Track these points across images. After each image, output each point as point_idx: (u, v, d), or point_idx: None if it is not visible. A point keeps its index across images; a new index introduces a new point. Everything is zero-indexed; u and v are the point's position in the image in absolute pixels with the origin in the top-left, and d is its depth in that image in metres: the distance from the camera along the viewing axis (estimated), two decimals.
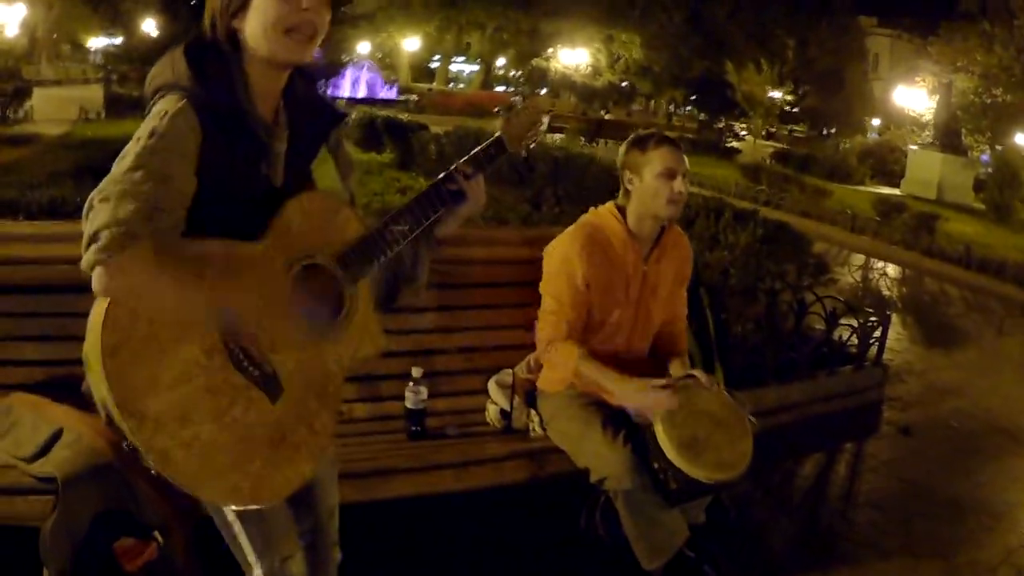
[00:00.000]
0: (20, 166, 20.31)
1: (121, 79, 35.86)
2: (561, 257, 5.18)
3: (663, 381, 4.79)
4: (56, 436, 4.10)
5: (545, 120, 3.87)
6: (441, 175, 3.61)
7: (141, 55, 25.39)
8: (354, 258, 3.40)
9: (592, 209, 5.44)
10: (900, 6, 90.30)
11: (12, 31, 66.30)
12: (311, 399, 3.29)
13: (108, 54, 32.06)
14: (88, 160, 19.36)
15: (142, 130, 3.04)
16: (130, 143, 3.04)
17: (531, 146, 3.87)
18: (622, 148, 5.33)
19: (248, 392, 3.10)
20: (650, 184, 5.09)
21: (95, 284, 2.84)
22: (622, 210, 5.27)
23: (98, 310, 2.89)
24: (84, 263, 2.82)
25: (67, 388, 4.40)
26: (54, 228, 5.44)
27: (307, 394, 3.28)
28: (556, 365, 5.13)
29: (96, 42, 45.46)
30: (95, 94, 40.24)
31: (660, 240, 5.35)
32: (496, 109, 3.87)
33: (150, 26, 25.33)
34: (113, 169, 2.97)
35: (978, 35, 49.07)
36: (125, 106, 35.68)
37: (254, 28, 3.19)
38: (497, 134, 3.74)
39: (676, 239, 5.51)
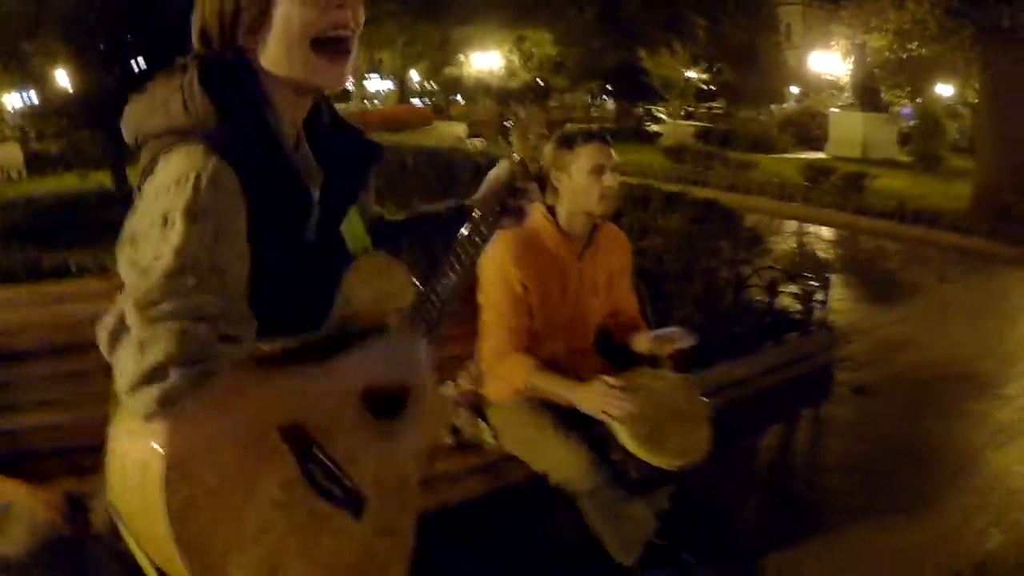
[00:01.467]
0: None
1: (39, 136, 35.66)
2: (496, 265, 5.04)
3: (614, 380, 4.65)
4: (3, 511, 3.84)
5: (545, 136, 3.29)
6: (476, 216, 3.05)
7: (57, 109, 25.15)
8: (423, 322, 2.94)
9: None
10: None
11: None
12: (392, 504, 2.82)
13: (24, 113, 31.72)
14: (12, 221, 19.27)
15: (165, 203, 2.25)
16: (144, 220, 2.27)
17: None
18: (547, 147, 5.15)
19: (333, 519, 2.55)
20: (580, 182, 5.02)
21: (158, 437, 2.12)
22: (551, 210, 5.19)
23: (144, 462, 2.19)
24: (138, 406, 2.11)
25: (11, 461, 4.26)
26: None
27: (388, 501, 2.80)
28: (506, 378, 5.02)
29: (10, 99, 45.12)
30: (13, 153, 39.90)
31: (593, 236, 5.27)
32: (505, 122, 3.17)
33: (63, 78, 25.04)
34: (136, 262, 2.23)
35: None
36: (46, 163, 35.45)
37: (276, 43, 2.50)
38: (516, 157, 3.11)
39: (610, 234, 5.44)
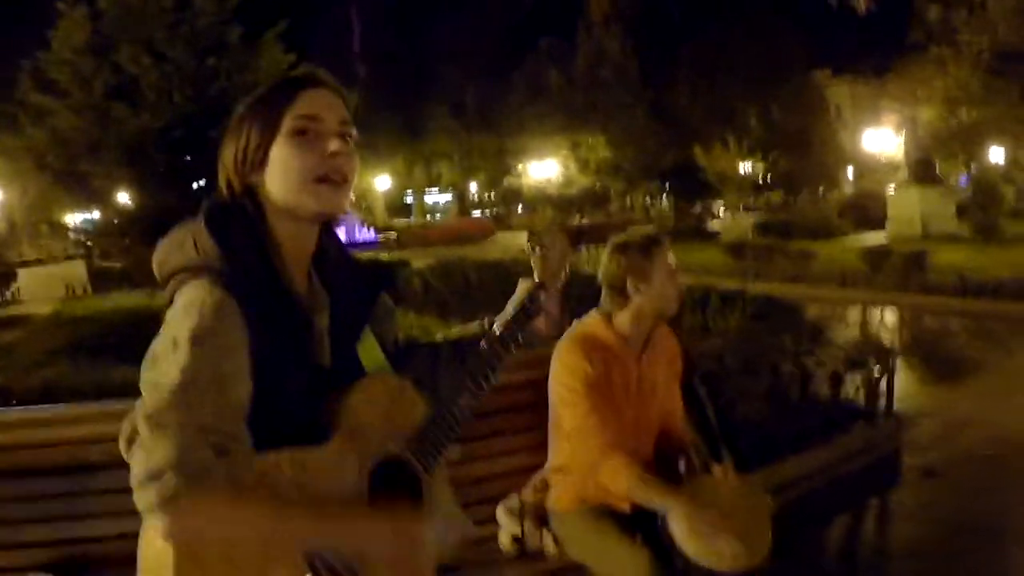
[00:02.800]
0: (13, 348, 20.21)
1: (103, 253, 36.04)
2: (568, 367, 5.10)
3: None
4: None
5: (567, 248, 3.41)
6: (489, 337, 3.21)
7: (120, 228, 25.39)
8: (428, 442, 3.06)
9: (577, 321, 5.34)
10: (852, 53, 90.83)
11: None
12: None
13: (87, 231, 32.13)
14: (80, 337, 19.41)
15: (175, 330, 2.55)
16: (162, 343, 2.57)
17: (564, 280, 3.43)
18: (612, 255, 5.23)
19: None
20: (659, 286, 5.07)
21: (159, 528, 2.40)
22: (608, 316, 5.22)
23: (160, 552, 2.49)
24: (143, 504, 2.39)
25: (74, 568, 4.45)
26: (49, 413, 5.33)
27: None
28: (606, 481, 4.95)
29: (73, 218, 45.73)
30: (79, 270, 40.79)
31: (649, 339, 5.29)
32: (528, 245, 3.34)
33: (124, 198, 25.32)
34: (149, 380, 2.53)
35: (932, 62, 49.43)
36: (110, 280, 36.19)
37: (278, 181, 2.80)
38: (536, 281, 3.27)
39: (664, 335, 5.45)
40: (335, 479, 2.77)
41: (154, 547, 2.52)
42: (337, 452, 2.79)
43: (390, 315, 3.30)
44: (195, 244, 2.70)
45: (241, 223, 2.77)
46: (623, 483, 4.83)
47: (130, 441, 2.59)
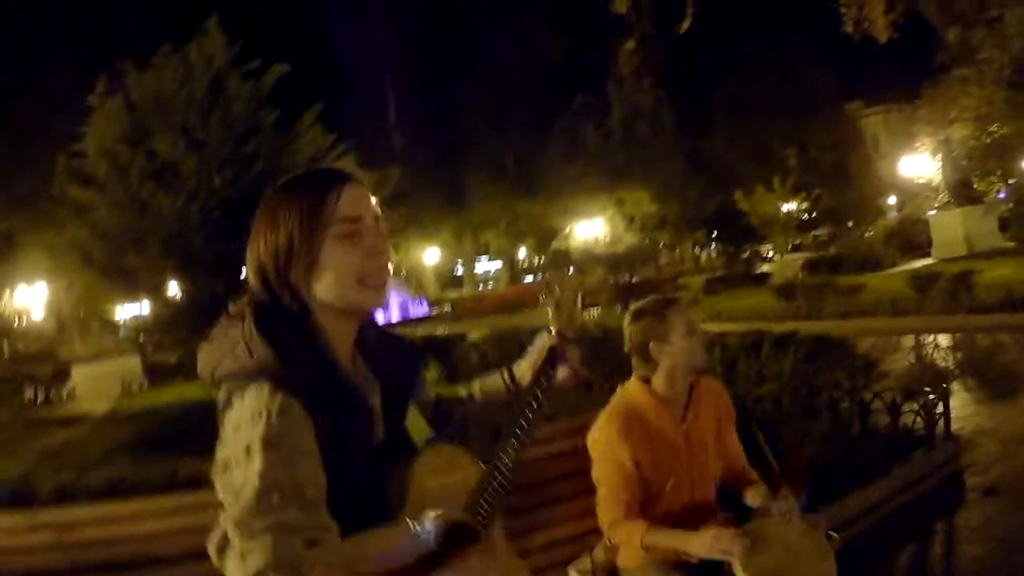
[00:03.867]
0: (72, 447, 20.54)
1: (156, 347, 36.16)
2: (603, 446, 5.26)
3: (730, 531, 4.81)
4: None
5: (579, 294, 3.58)
6: (520, 396, 3.42)
7: (171, 321, 25.52)
8: (486, 501, 3.19)
9: (620, 388, 5.51)
10: (881, 82, 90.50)
11: (38, 314, 67.28)
12: None
13: (137, 326, 32.16)
14: (140, 434, 19.54)
15: (246, 436, 2.66)
16: (229, 449, 2.70)
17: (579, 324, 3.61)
18: (631, 324, 5.40)
19: None
20: (680, 345, 5.19)
21: None
22: (647, 380, 5.37)
23: None
24: None
25: None
26: (116, 509, 5.43)
27: None
28: (625, 543, 5.16)
29: (123, 311, 45.80)
30: (132, 365, 40.47)
31: (692, 396, 5.42)
32: (540, 297, 3.54)
33: (172, 288, 25.40)
34: (228, 487, 2.67)
35: (958, 83, 49.29)
36: (165, 373, 36.30)
37: (328, 283, 2.90)
38: (553, 331, 3.49)
39: (707, 388, 5.56)
40: (411, 551, 2.89)
41: None
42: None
43: (423, 382, 3.50)
44: (248, 349, 2.79)
45: (289, 322, 2.88)
46: (635, 539, 5.00)
47: (220, 548, 2.74)
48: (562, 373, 3.43)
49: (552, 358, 3.42)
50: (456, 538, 3.02)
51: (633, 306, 5.56)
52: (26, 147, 57.19)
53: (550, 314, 3.50)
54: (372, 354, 3.16)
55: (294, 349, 2.81)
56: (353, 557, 2.78)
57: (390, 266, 3.03)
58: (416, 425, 3.30)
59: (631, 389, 5.43)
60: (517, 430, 3.29)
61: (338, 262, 2.89)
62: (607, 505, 5.20)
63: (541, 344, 3.53)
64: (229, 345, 2.84)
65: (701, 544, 4.78)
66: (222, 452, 2.73)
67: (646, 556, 5.14)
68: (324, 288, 2.90)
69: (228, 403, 2.78)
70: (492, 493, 3.22)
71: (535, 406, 3.33)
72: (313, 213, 2.90)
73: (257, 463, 2.61)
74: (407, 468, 3.06)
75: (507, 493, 3.27)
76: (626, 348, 5.45)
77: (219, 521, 2.74)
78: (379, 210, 3.04)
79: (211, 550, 2.81)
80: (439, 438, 3.32)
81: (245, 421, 2.69)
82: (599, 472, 5.30)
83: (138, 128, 24.18)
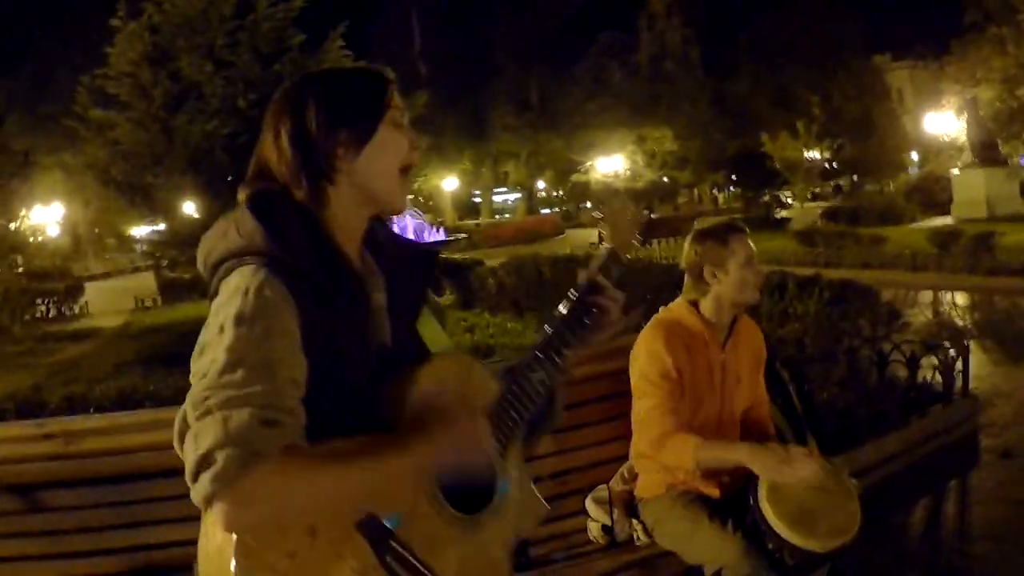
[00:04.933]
0: (84, 361, 20.70)
1: (171, 264, 36.24)
2: (648, 353, 5.16)
3: (801, 450, 4.84)
4: None
5: (636, 222, 3.37)
6: (562, 309, 3.04)
7: (186, 239, 25.49)
8: (501, 422, 2.91)
9: (663, 307, 5.45)
10: (909, 36, 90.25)
11: (53, 231, 67.56)
12: None
13: (153, 242, 32.02)
14: (152, 348, 19.62)
15: (222, 317, 2.50)
16: (207, 334, 2.52)
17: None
18: (692, 243, 5.31)
19: None
20: (736, 274, 5.12)
21: (218, 520, 2.29)
22: (695, 304, 5.30)
23: (220, 547, 2.40)
24: (197, 496, 2.27)
25: (159, 573, 4.61)
26: (126, 419, 5.43)
27: None
28: (673, 461, 5.03)
29: (139, 230, 45.77)
30: (147, 282, 40.89)
31: (734, 328, 5.37)
32: (595, 214, 3.41)
33: (190, 208, 25.28)
34: (197, 370, 2.46)
35: (990, 42, 48.99)
36: (180, 290, 36.47)
37: (373, 167, 2.77)
38: (608, 247, 3.18)
39: (748, 326, 5.53)
40: (401, 452, 2.61)
41: (215, 544, 2.43)
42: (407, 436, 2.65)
43: (440, 314, 3.29)
44: (238, 230, 2.66)
45: (288, 204, 2.72)
46: (689, 454, 4.88)
47: (180, 434, 2.51)
48: (607, 300, 3.05)
49: (600, 278, 3.07)
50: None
51: (698, 225, 5.49)
52: (49, 72, 57.30)
53: (605, 234, 3.25)
54: (381, 251, 2.99)
55: (287, 227, 2.65)
56: (322, 459, 2.45)
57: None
58: (435, 336, 3.07)
59: (677, 308, 5.38)
60: (551, 348, 2.99)
61: (393, 145, 2.80)
62: (655, 417, 5.06)
63: (594, 263, 3.14)
64: (223, 231, 2.72)
65: (763, 461, 4.71)
66: (201, 338, 2.55)
67: (666, 487, 5.13)
68: (368, 169, 2.78)
69: (216, 290, 2.66)
70: (512, 414, 2.96)
71: (574, 325, 3.02)
72: (376, 95, 2.82)
73: (225, 339, 2.43)
74: (410, 376, 2.79)
75: (529, 418, 3.00)
76: (682, 266, 5.39)
77: (183, 409, 2.50)
78: None
79: (174, 439, 2.61)
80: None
81: (224, 302, 2.55)
82: (644, 384, 5.17)
83: (162, 49, 24.12)
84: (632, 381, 5.28)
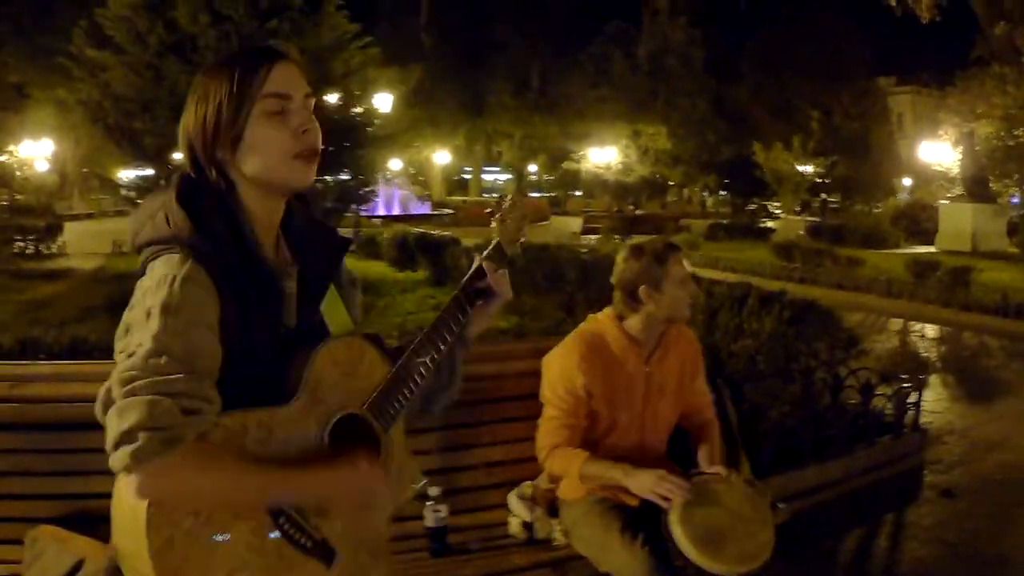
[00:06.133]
0: (53, 301, 20.83)
1: None
2: (559, 368, 5.19)
3: (676, 478, 4.73)
4: (77, 567, 4.11)
5: (526, 220, 3.71)
6: (454, 297, 3.37)
7: None
8: (387, 401, 3.15)
9: (591, 316, 5.45)
10: (916, 62, 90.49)
11: (41, 166, 67.41)
12: (364, 556, 3.14)
13: (138, 187, 31.85)
14: (122, 295, 19.69)
15: (149, 301, 2.68)
16: (134, 313, 2.72)
17: (520, 245, 3.69)
18: (627, 259, 5.28)
19: (305, 565, 2.91)
20: (672, 293, 5.12)
21: (130, 486, 2.56)
22: (620, 317, 5.29)
23: (133, 507, 2.63)
24: (116, 464, 2.52)
25: (86, 521, 4.58)
26: (71, 368, 5.63)
27: (359, 552, 3.10)
28: (560, 472, 5.14)
29: (126, 173, 45.73)
30: (126, 227, 40.61)
31: (662, 339, 5.36)
32: (488, 211, 3.69)
33: (178, 156, 25.49)
34: (123, 348, 2.68)
35: (992, 79, 49.05)
36: None
37: (254, 160, 2.91)
38: (495, 240, 3.52)
39: (678, 335, 5.49)
40: (298, 436, 2.90)
41: (128, 504, 2.66)
42: (300, 411, 2.91)
43: (354, 285, 3.45)
44: (167, 218, 2.81)
45: (211, 196, 2.89)
46: (574, 467, 4.96)
47: (105, 405, 2.67)
48: (491, 282, 3.43)
49: (482, 271, 3.44)
50: (349, 435, 3.07)
51: (633, 241, 5.46)
52: (49, 9, 57.31)
53: (495, 227, 3.57)
54: (296, 237, 3.17)
55: (211, 222, 2.83)
56: (232, 434, 2.76)
57: (319, 147, 3.00)
58: (337, 316, 3.25)
59: (602, 320, 5.36)
60: (437, 332, 3.29)
61: (266, 138, 2.89)
62: (550, 428, 5.17)
63: (480, 257, 3.48)
64: (150, 213, 2.88)
65: (642, 482, 4.73)
66: (125, 318, 2.76)
67: (586, 491, 5.13)
68: (251, 164, 2.92)
69: (142, 271, 2.83)
70: (397, 395, 3.19)
71: (458, 311, 3.36)
72: (241, 87, 2.89)
73: (154, 327, 2.62)
74: (309, 354, 2.98)
75: (415, 398, 3.26)
76: (613, 280, 5.35)
77: (109, 380, 2.69)
78: (309, 87, 3.01)
79: (97, 406, 2.81)
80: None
81: (152, 287, 2.71)
82: (549, 393, 5.24)
83: None
84: (542, 384, 5.32)
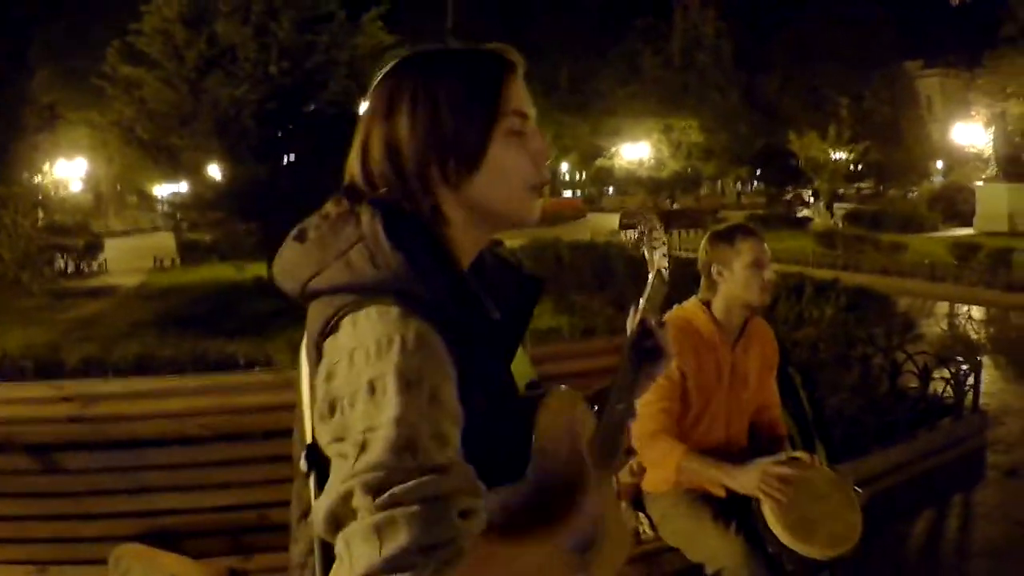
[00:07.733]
0: (100, 318, 20.86)
1: (191, 226, 36.25)
2: None
3: (775, 460, 4.85)
4: None
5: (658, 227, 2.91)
6: (631, 335, 2.81)
7: (209, 200, 25.66)
8: (604, 454, 2.70)
9: (677, 305, 5.44)
10: (943, 44, 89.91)
11: (76, 187, 67.78)
12: None
13: (175, 203, 31.96)
14: (168, 310, 19.78)
15: (369, 370, 2.00)
16: (339, 385, 2.03)
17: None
18: (704, 243, 5.41)
19: None
20: (741, 275, 5.16)
21: None
22: (707, 303, 5.34)
23: None
24: None
25: (167, 538, 4.65)
26: (143, 385, 5.56)
27: None
28: (656, 462, 5.03)
29: (161, 190, 45.90)
30: (167, 242, 41.33)
31: (745, 330, 5.40)
32: (633, 233, 2.92)
33: (214, 170, 25.46)
34: (337, 434, 2.03)
35: (1023, 56, 48.81)
36: (199, 252, 36.86)
37: (493, 187, 2.29)
38: (651, 278, 2.84)
39: (760, 328, 5.56)
40: (537, 515, 2.39)
41: None
42: (535, 483, 2.39)
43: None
44: (372, 257, 2.14)
45: (421, 232, 2.25)
46: (673, 460, 4.95)
47: (335, 519, 1.96)
48: (661, 342, 2.81)
49: (647, 329, 2.82)
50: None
51: (713, 227, 5.59)
52: (85, 25, 57.59)
53: (647, 257, 2.88)
54: (488, 280, 2.49)
55: (429, 264, 2.18)
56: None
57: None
58: (520, 368, 2.64)
59: (689, 306, 5.41)
60: (625, 374, 2.75)
61: (512, 162, 2.33)
62: (647, 413, 4.93)
63: (652, 289, 2.85)
64: (337, 251, 2.19)
65: (746, 483, 4.75)
66: (327, 390, 2.07)
67: (674, 483, 5.12)
68: (486, 192, 2.32)
69: (333, 325, 2.13)
70: (611, 446, 2.72)
71: (639, 353, 2.79)
72: (486, 99, 2.33)
73: (389, 406, 1.96)
74: (532, 414, 2.46)
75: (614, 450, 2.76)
76: (698, 267, 5.43)
77: (330, 484, 2.00)
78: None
79: (318, 518, 2.00)
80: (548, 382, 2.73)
81: (365, 351, 2.04)
82: None
83: (199, 9, 24.33)
84: None
